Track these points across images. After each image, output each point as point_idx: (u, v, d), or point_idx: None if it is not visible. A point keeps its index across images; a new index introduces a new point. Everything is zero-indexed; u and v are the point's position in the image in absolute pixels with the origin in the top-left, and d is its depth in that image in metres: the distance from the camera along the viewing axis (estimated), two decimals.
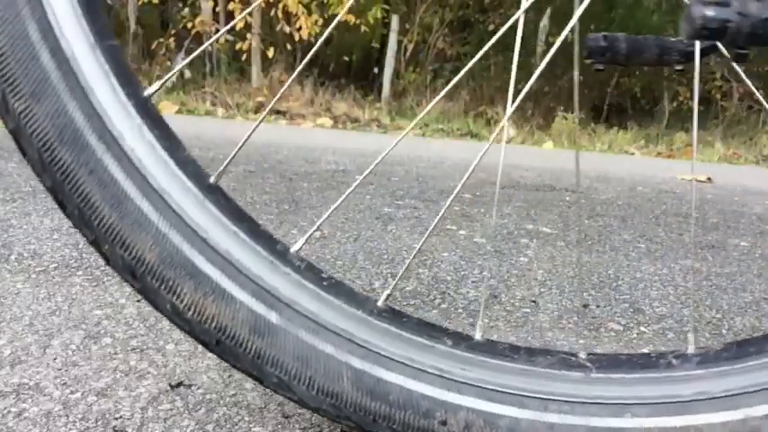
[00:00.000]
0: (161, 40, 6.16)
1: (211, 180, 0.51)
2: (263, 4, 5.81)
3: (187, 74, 5.83)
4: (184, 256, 0.48)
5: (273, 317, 0.49)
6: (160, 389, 0.66)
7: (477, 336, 0.52)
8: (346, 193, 0.52)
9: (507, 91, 0.50)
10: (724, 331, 1.00)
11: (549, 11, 6.30)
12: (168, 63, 6.03)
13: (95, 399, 0.63)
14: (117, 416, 0.60)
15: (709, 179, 3.16)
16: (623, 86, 7.22)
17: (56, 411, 0.60)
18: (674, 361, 0.50)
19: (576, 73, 0.56)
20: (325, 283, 0.51)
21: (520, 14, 0.50)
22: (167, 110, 4.88)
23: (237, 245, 0.49)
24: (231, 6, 5.94)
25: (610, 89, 7.07)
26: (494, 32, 0.54)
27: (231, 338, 0.49)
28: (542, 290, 1.12)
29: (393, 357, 0.49)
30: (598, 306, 1.06)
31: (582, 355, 0.51)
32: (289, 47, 6.11)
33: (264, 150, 2.79)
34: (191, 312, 0.48)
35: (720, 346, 0.51)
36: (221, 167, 0.51)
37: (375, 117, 5.51)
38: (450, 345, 0.50)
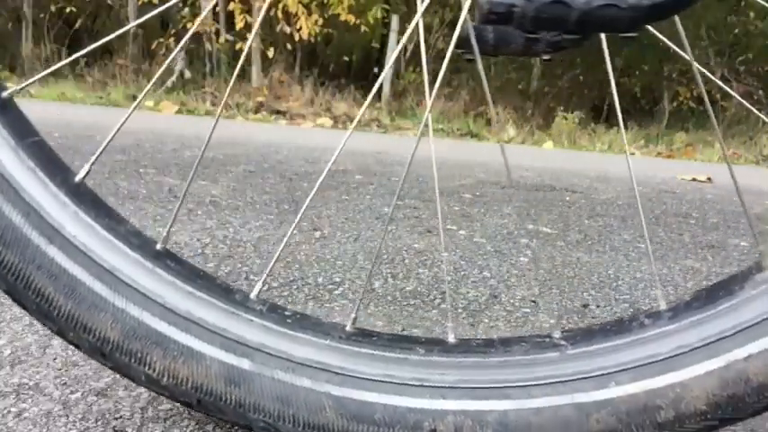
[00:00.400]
0: (161, 40, 6.17)
1: (158, 247, 0.52)
2: (262, 4, 5.82)
3: (187, 74, 5.84)
4: (146, 326, 0.49)
5: (246, 364, 0.49)
6: None
7: (450, 338, 0.52)
8: (300, 214, 0.52)
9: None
10: None
11: None
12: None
13: (95, 399, 0.63)
14: (117, 416, 0.60)
15: (709, 179, 3.16)
16: (623, 86, 7.22)
17: (56, 411, 0.60)
18: (646, 321, 0.49)
19: (479, 67, 0.56)
20: (289, 321, 0.51)
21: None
22: (167, 110, 4.88)
23: (196, 303, 0.50)
24: (231, 6, 5.95)
25: (610, 89, 7.07)
26: None
27: (210, 394, 0.49)
28: (542, 290, 1.12)
29: (371, 377, 0.49)
30: (598, 306, 1.06)
31: (556, 335, 0.51)
32: (289, 47, 6.12)
33: (264, 150, 2.79)
34: (165, 378, 0.49)
35: (690, 297, 0.50)
36: (165, 231, 0.52)
37: (375, 117, 5.51)
38: (424, 353, 0.50)
